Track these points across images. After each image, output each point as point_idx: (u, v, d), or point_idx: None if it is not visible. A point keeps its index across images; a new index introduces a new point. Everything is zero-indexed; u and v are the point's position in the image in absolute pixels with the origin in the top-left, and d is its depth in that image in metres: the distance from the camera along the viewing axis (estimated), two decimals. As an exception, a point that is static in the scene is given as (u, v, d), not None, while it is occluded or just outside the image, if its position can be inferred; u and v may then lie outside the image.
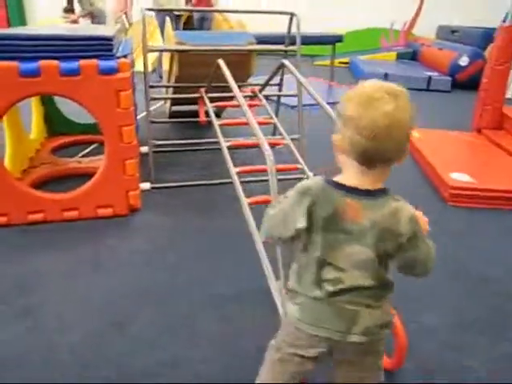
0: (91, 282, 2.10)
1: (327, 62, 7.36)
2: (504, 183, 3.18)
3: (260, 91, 3.08)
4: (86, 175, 2.71)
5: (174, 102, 4.05)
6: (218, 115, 3.01)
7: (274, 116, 2.95)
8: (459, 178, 3.18)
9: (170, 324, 1.86)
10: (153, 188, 3.03)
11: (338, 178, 1.10)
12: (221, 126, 2.63)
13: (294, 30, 3.34)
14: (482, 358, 1.77)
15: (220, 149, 2.58)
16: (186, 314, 1.93)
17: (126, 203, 2.65)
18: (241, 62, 3.11)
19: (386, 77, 7.08)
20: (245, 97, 3.28)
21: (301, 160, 2.55)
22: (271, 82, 3.28)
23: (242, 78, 3.61)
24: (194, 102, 3.60)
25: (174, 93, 3.76)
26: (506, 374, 1.70)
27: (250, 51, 3.34)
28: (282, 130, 2.86)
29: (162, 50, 3.38)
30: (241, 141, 2.59)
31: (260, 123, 2.82)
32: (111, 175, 2.56)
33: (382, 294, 1.14)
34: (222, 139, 2.51)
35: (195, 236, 2.53)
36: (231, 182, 2.99)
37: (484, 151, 4.03)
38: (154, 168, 3.11)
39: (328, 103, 2.21)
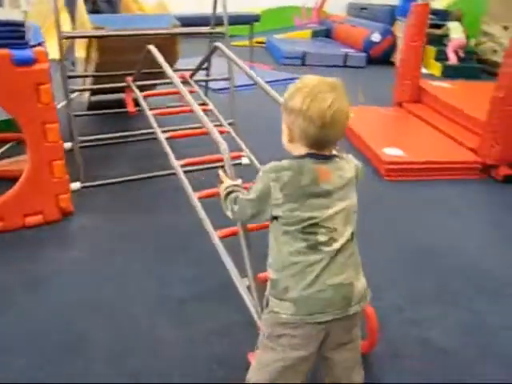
0: (32, 301, 1.88)
1: (244, 42, 7.25)
2: (432, 154, 3.34)
3: (191, 77, 2.92)
4: (7, 180, 2.42)
5: (94, 91, 3.74)
6: (137, 104, 2.81)
7: (210, 103, 2.82)
8: (392, 152, 3.29)
9: (127, 335, 1.72)
10: (84, 187, 2.78)
11: (298, 153, 1.21)
12: (156, 115, 2.46)
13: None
14: (439, 328, 1.85)
15: (153, 139, 2.41)
16: (142, 322, 1.79)
17: (56, 208, 2.40)
18: (166, 47, 2.91)
19: (304, 55, 7.18)
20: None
21: (243, 145, 2.47)
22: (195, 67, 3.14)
23: (168, 63, 3.42)
24: (116, 91, 3.35)
25: (94, 82, 3.47)
26: (463, 341, 1.79)
27: (177, 34, 3.15)
28: (220, 116, 2.74)
29: (81, 37, 3.06)
30: (181, 132, 2.43)
31: (182, 111, 2.73)
32: (37, 179, 2.30)
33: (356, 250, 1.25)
34: (158, 130, 2.34)
35: (140, 236, 2.37)
36: (171, 174, 2.89)
37: (409, 124, 4.22)
38: (82, 165, 2.85)
39: (248, 85, 2.18)
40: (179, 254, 2.22)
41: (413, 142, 3.70)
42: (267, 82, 2.23)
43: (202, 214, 1.88)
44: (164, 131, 2.36)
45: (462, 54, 7.13)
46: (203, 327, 1.78)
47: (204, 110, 2.67)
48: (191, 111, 2.57)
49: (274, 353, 1.22)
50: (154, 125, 2.38)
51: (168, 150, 2.21)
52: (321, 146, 1.19)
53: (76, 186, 2.72)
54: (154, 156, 3.26)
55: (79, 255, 2.18)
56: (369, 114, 4.36)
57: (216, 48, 2.54)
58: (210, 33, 3.33)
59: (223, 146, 1.62)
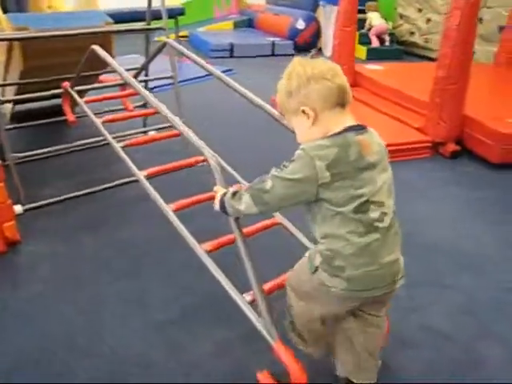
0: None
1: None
2: (384, 137, 3.36)
3: (135, 77, 2.70)
4: None
5: (18, 100, 3.35)
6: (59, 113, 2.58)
7: (159, 104, 2.61)
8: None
9: (113, 369, 1.53)
10: (26, 210, 2.47)
11: (337, 130, 1.16)
12: (105, 122, 2.22)
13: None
14: (436, 312, 1.84)
15: (92, 148, 2.18)
16: (128, 353, 1.60)
17: (0, 238, 2.10)
18: (101, 47, 2.67)
19: (232, 47, 7.05)
20: (116, 86, 2.88)
21: (202, 143, 2.31)
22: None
23: (103, 64, 3.15)
24: (45, 98, 3.03)
25: (19, 90, 3.10)
26: (461, 322, 1.79)
27: (115, 32, 2.89)
28: (173, 117, 2.55)
29: (6, 39, 2.65)
30: (141, 138, 2.21)
31: (145, 114, 2.53)
32: (-26, 208, 1.99)
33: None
34: (111, 138, 2.11)
35: (102, 256, 2.13)
36: (123, 184, 2.67)
37: (353, 109, 4.23)
38: (20, 185, 2.53)
39: (182, 81, 2.07)
40: (151, 272, 2.03)
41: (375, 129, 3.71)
42: (203, 77, 2.14)
43: (180, 226, 1.70)
44: (116, 139, 2.14)
45: (387, 39, 7.35)
46: (197, 350, 1.62)
47: (155, 113, 2.52)
48: (153, 114, 2.41)
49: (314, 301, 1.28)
50: (105, 133, 2.15)
51: (127, 159, 1.99)
52: (343, 98, 1.17)
53: (18, 209, 2.41)
54: (97, 167, 3.02)
55: (35, 290, 1.90)
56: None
57: (165, 44, 2.34)
58: (149, 29, 3.10)
59: (205, 151, 1.47)
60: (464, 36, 3.01)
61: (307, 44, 7.62)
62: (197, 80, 4.98)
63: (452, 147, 3.30)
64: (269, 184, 1.17)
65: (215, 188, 1.42)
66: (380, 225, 1.15)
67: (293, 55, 6.82)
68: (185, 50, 2.28)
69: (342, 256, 1.16)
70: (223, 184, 1.43)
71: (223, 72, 2.48)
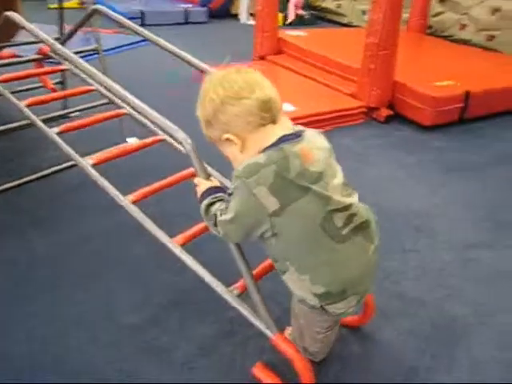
0: None
1: (67, 4, 6.27)
2: (321, 105, 3.36)
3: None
4: None
5: None
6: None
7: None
8: (286, 108, 3.20)
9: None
10: None
11: (268, 144, 1.05)
12: (31, 105, 1.92)
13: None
14: (404, 278, 1.88)
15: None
16: (101, 369, 1.43)
17: None
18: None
19: (143, 15, 6.57)
20: (30, 61, 2.51)
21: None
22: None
23: (8, 33, 2.75)
24: None
25: None
26: (429, 285, 1.85)
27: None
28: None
29: None
30: (77, 122, 1.92)
31: (85, 91, 2.23)
32: None
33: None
34: (39, 122, 1.83)
35: (56, 259, 1.87)
36: (57, 172, 2.37)
37: (282, 77, 4.16)
38: None
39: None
40: (108, 273, 1.82)
41: (296, 94, 3.65)
42: (117, 48, 1.95)
43: (145, 219, 1.52)
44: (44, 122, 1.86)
45: (301, 11, 7.22)
46: (180, 352, 1.49)
47: (88, 91, 2.25)
48: (91, 91, 2.14)
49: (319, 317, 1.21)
50: (33, 117, 1.86)
51: (65, 146, 1.73)
52: (271, 114, 1.05)
53: None
54: (21, 155, 2.67)
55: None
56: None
57: (95, 11, 2.05)
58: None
59: (181, 135, 1.29)
60: (393, 2, 3.04)
61: (221, 10, 7.36)
62: (116, 50, 4.60)
63: (386, 112, 3.38)
64: (221, 231, 1.12)
65: (196, 180, 1.27)
66: (347, 230, 1.08)
67: (206, 22, 6.62)
68: (119, 17, 2.02)
69: (344, 280, 1.13)
70: (204, 174, 1.27)
71: (137, 43, 2.27)
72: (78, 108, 2.52)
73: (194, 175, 1.78)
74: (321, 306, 1.14)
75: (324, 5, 7.49)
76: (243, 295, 1.35)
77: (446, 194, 2.53)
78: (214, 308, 1.64)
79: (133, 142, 2.86)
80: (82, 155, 1.70)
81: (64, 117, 2.50)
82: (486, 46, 5.05)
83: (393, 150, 3.03)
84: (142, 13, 6.54)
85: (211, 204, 1.15)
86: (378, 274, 1.81)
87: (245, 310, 1.31)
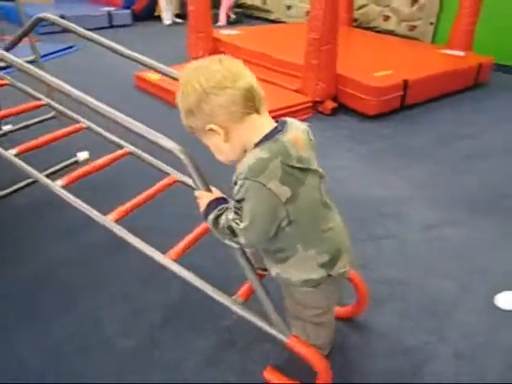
0: None
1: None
2: (269, 102, 3.38)
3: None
4: None
5: None
6: None
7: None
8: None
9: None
10: None
11: (258, 138, 1.04)
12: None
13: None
14: (382, 264, 1.96)
15: None
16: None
17: None
18: None
19: (63, 18, 6.21)
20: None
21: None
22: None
23: None
24: None
25: None
26: (404, 266, 1.94)
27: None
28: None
29: None
30: (37, 141, 1.78)
31: (30, 108, 2.08)
32: None
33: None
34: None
35: (32, 287, 1.73)
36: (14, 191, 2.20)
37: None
38: None
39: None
40: (87, 299, 1.71)
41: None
42: (43, 56, 1.86)
43: (132, 237, 1.45)
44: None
45: (232, 15, 7.20)
46: (188, 366, 1.45)
47: (38, 106, 2.12)
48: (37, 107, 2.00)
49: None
50: None
51: (27, 168, 1.61)
52: (255, 104, 1.03)
53: None
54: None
55: None
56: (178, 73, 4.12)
57: (39, 20, 1.91)
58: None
59: (171, 145, 1.23)
60: (332, -2, 3.13)
61: (144, 12, 7.17)
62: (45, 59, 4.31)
63: (331, 104, 3.48)
64: (241, 239, 1.08)
65: (197, 193, 1.22)
66: (326, 196, 1.17)
67: (131, 25, 6.42)
68: (71, 25, 1.90)
69: (337, 242, 1.18)
70: (204, 185, 1.23)
71: (65, 49, 2.13)
72: (21, 125, 2.35)
73: (174, 182, 1.75)
74: (327, 275, 1.18)
75: (250, 2, 7.55)
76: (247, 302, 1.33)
77: (402, 178, 2.66)
78: (208, 318, 1.62)
79: (84, 155, 2.73)
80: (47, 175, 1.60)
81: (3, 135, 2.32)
82: (408, 35, 5.37)
83: (344, 141, 3.13)
84: (63, 17, 6.18)
85: (218, 216, 1.12)
86: (357, 263, 1.91)
87: (254, 318, 1.29)
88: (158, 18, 7.23)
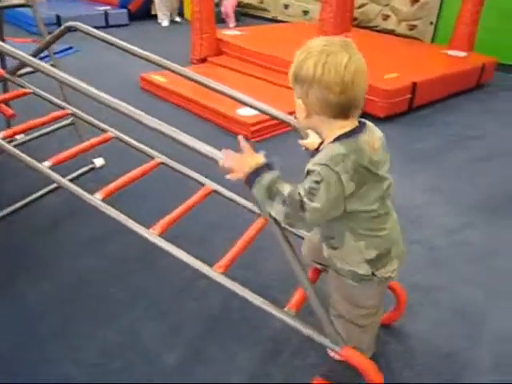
0: None
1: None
2: (280, 106, 3.38)
3: (13, 73, 2.13)
4: None
5: None
6: None
7: (66, 104, 2.15)
8: (247, 113, 3.18)
9: None
10: None
11: (336, 134, 1.10)
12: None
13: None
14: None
15: None
16: None
17: None
18: None
19: (59, 20, 6.15)
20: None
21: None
22: None
23: None
24: None
25: None
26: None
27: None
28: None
29: None
30: (68, 151, 1.76)
31: (55, 118, 2.06)
32: None
33: None
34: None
35: (60, 306, 1.71)
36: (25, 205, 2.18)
37: (232, 79, 4.13)
38: None
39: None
40: (124, 312, 1.71)
41: (252, 96, 3.66)
42: (41, 59, 1.85)
43: (175, 249, 1.46)
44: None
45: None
46: (236, 378, 1.46)
47: (63, 116, 2.11)
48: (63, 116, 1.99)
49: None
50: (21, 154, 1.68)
51: (76, 188, 1.59)
52: (347, 112, 1.09)
53: None
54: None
55: None
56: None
57: (68, 28, 1.89)
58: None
59: (215, 155, 1.23)
60: (342, 1, 3.15)
61: (140, 11, 7.10)
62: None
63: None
64: (306, 215, 1.09)
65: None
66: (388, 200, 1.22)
67: (128, 25, 6.33)
68: (97, 32, 1.88)
69: (387, 243, 1.21)
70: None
71: (63, 51, 2.08)
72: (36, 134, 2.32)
73: (212, 192, 1.76)
74: (372, 273, 1.21)
75: (246, 1, 7.53)
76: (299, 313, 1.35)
77: (415, 182, 2.69)
78: (249, 329, 1.64)
79: (100, 162, 2.71)
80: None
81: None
82: (408, 35, 5.41)
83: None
84: (59, 17, 6.13)
85: (275, 183, 1.12)
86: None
87: (307, 330, 1.31)
88: (155, 17, 7.16)
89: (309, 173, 1.09)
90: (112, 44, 1.89)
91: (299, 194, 1.09)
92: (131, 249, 1.99)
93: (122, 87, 3.81)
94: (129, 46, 1.90)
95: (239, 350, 1.56)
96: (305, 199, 1.08)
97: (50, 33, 5.94)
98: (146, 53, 1.89)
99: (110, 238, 2.06)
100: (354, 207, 1.12)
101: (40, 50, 2.01)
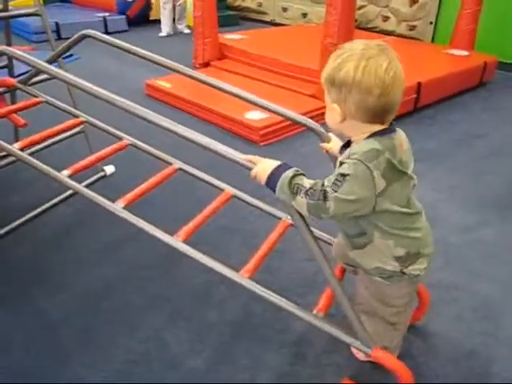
0: None
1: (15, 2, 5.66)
2: (289, 109, 3.40)
3: (27, 82, 2.14)
4: None
5: None
6: None
7: (79, 112, 2.15)
8: (256, 116, 3.20)
9: None
10: None
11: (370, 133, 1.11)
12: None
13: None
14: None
15: None
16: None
17: None
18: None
19: (58, 27, 6.15)
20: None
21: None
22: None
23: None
24: None
25: None
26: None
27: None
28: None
29: None
30: (84, 161, 1.76)
31: (70, 127, 2.07)
32: None
33: None
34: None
35: (79, 314, 1.72)
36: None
37: (237, 84, 4.11)
38: None
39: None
40: (145, 320, 1.71)
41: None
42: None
43: (203, 257, 1.46)
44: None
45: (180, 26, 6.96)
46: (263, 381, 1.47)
47: (79, 124, 2.11)
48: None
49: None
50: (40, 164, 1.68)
51: (95, 195, 1.60)
52: (383, 117, 1.10)
53: None
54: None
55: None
56: (189, 81, 4.10)
57: (84, 36, 1.89)
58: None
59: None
60: (347, 3, 3.17)
61: (139, 17, 7.11)
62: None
63: (348, 109, 3.51)
64: (329, 205, 1.09)
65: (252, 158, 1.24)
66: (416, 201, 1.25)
67: (127, 31, 6.35)
68: (111, 39, 1.88)
69: (417, 242, 1.22)
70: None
71: (64, 59, 2.10)
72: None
73: (231, 197, 1.76)
74: (400, 270, 1.23)
75: (244, 4, 7.55)
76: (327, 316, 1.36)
77: (426, 182, 2.69)
78: (274, 333, 1.64)
79: (111, 169, 2.73)
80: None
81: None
82: (408, 35, 5.44)
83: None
84: (58, 25, 6.12)
85: (295, 176, 1.13)
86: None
87: (338, 333, 1.32)
88: (153, 22, 7.17)
89: (341, 165, 1.10)
90: (129, 52, 1.89)
91: (323, 184, 1.10)
92: (145, 256, 2.00)
93: (128, 94, 3.76)
94: (147, 52, 1.89)
95: (265, 353, 1.57)
96: (328, 189, 1.09)
97: (45, 41, 5.95)
98: (168, 61, 1.89)
99: (122, 245, 2.07)
100: (383, 206, 1.13)
101: (55, 57, 2.02)
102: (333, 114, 1.13)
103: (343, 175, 1.07)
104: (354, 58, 1.06)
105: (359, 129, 1.12)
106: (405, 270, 1.23)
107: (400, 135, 1.17)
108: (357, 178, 1.06)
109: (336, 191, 1.08)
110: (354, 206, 1.10)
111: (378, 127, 1.11)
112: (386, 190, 1.10)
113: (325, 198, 1.09)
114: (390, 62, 1.06)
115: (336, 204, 1.09)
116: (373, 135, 1.11)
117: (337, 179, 1.08)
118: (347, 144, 1.22)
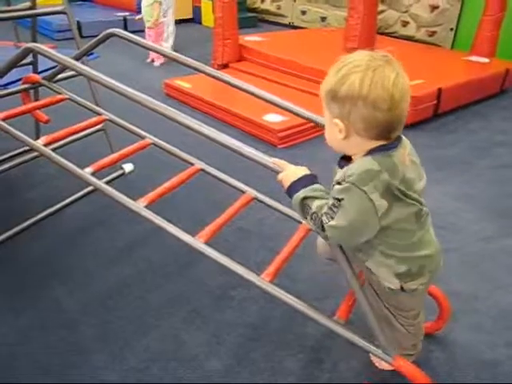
0: None
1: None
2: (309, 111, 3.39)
3: (52, 78, 2.16)
4: None
5: None
6: None
7: (102, 110, 2.17)
8: (274, 119, 3.20)
9: None
10: None
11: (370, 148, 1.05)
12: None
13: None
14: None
15: None
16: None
17: None
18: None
19: (79, 26, 6.20)
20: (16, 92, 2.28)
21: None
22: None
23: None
24: None
25: None
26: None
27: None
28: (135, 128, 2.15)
29: None
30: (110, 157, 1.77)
31: (93, 124, 2.08)
32: None
33: None
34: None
35: (88, 317, 1.74)
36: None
37: (256, 85, 4.13)
38: None
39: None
40: (162, 320, 1.71)
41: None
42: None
43: (228, 261, 1.45)
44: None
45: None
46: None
47: (101, 122, 2.13)
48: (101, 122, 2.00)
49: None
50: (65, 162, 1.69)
51: (119, 195, 1.60)
52: (390, 133, 1.02)
53: None
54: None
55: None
56: (208, 81, 4.12)
57: (110, 35, 1.90)
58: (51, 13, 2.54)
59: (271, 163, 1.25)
60: (369, 8, 3.15)
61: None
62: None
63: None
64: (328, 233, 1.08)
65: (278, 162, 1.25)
66: (427, 223, 1.20)
67: (143, 31, 6.26)
68: (140, 40, 1.90)
69: (420, 260, 1.18)
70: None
71: (89, 55, 2.14)
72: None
73: (252, 199, 1.76)
74: (400, 287, 1.20)
75: (263, 6, 7.56)
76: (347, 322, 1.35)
77: (446, 190, 2.67)
78: (292, 338, 1.63)
79: (130, 167, 2.74)
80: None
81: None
82: (428, 41, 5.39)
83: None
84: (79, 24, 6.19)
85: (307, 198, 1.12)
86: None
87: (358, 340, 1.30)
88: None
89: (339, 184, 1.05)
90: (156, 51, 1.90)
91: (324, 213, 1.07)
92: (163, 255, 2.01)
93: (147, 93, 3.83)
94: (174, 53, 1.90)
95: (284, 357, 1.56)
96: (323, 218, 1.06)
97: (66, 39, 6.05)
98: (193, 61, 1.90)
99: (140, 244, 2.08)
100: (384, 225, 1.08)
101: (82, 55, 2.04)
102: (334, 131, 1.05)
103: (338, 200, 1.04)
104: (359, 69, 0.98)
105: (364, 146, 1.05)
106: (404, 286, 1.20)
107: (403, 148, 1.09)
108: (353, 205, 1.01)
109: (332, 218, 1.05)
110: (355, 232, 1.07)
111: (381, 143, 1.05)
112: (390, 209, 1.04)
113: (322, 227, 1.08)
114: (398, 74, 0.99)
115: (333, 233, 1.07)
116: (372, 152, 1.04)
117: (333, 204, 1.05)
118: (348, 156, 1.14)
